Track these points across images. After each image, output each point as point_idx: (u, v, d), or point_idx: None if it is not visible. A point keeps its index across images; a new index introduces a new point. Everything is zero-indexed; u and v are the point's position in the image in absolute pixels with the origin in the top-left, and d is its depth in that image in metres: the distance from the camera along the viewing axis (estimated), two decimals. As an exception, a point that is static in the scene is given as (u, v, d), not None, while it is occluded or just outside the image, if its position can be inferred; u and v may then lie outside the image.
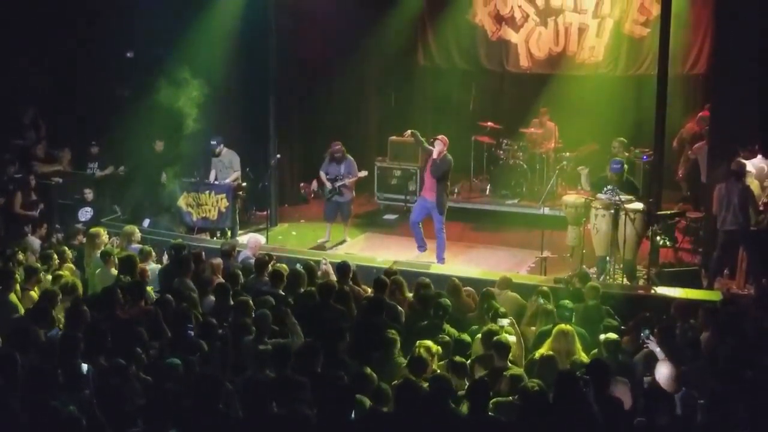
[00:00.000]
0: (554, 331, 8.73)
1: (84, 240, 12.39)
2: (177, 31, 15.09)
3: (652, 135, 13.48)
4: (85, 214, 14.86)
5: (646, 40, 16.13)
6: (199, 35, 15.16)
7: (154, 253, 11.67)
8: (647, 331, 8.42)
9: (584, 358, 8.49)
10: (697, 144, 15.06)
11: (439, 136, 13.76)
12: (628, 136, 15.49)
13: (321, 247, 14.78)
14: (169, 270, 10.99)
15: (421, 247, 14.06)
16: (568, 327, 8.75)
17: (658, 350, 8.14)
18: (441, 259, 13.72)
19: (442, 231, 13.72)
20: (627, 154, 14.96)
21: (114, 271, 10.75)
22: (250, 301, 9.24)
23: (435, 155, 13.55)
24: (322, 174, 15.21)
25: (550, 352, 8.36)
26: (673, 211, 14.05)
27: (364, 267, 11.80)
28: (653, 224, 12.90)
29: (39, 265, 10.83)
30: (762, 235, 12.41)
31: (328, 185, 15.01)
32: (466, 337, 8.91)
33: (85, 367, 7.63)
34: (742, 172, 12.31)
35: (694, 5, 15.40)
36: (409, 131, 14.14)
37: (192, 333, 8.59)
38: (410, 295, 10.14)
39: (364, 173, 15.33)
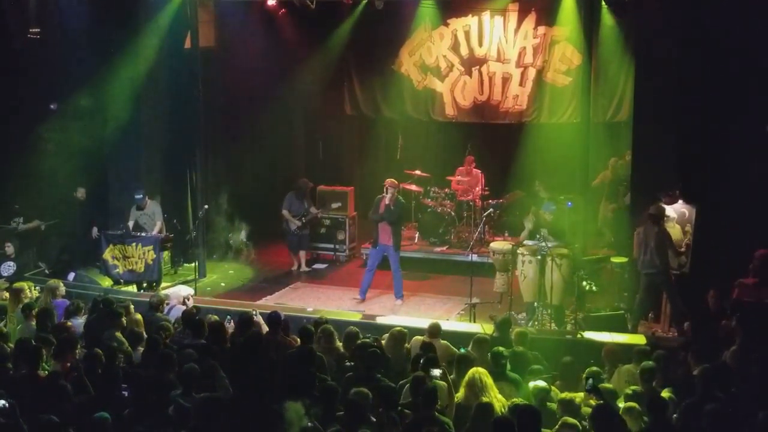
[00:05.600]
0: (467, 375, 8.72)
1: (7, 296, 12.10)
2: (101, 81, 14.97)
3: (576, 181, 13.71)
4: (8, 269, 14.52)
5: (568, 88, 16.41)
6: (124, 86, 15.05)
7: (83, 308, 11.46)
8: (591, 381, 8.42)
9: (501, 399, 8.49)
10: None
11: (387, 181, 14.33)
12: (552, 182, 15.79)
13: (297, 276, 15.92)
14: (93, 324, 10.78)
15: (364, 293, 14.47)
16: (480, 369, 8.71)
17: None
18: (400, 296, 14.37)
19: (399, 270, 14.36)
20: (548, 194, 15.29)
21: (35, 325, 10.54)
22: (175, 355, 9.09)
23: (388, 200, 14.13)
24: (285, 212, 15.87)
25: (486, 400, 8.29)
26: (597, 256, 14.29)
27: (294, 317, 11.73)
28: (579, 269, 13.08)
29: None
30: (683, 280, 12.62)
31: (296, 222, 15.76)
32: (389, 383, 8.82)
33: None
34: (659, 216, 12.49)
35: (615, 54, 15.72)
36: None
37: (126, 393, 8.40)
38: (340, 344, 10.09)
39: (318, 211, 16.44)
